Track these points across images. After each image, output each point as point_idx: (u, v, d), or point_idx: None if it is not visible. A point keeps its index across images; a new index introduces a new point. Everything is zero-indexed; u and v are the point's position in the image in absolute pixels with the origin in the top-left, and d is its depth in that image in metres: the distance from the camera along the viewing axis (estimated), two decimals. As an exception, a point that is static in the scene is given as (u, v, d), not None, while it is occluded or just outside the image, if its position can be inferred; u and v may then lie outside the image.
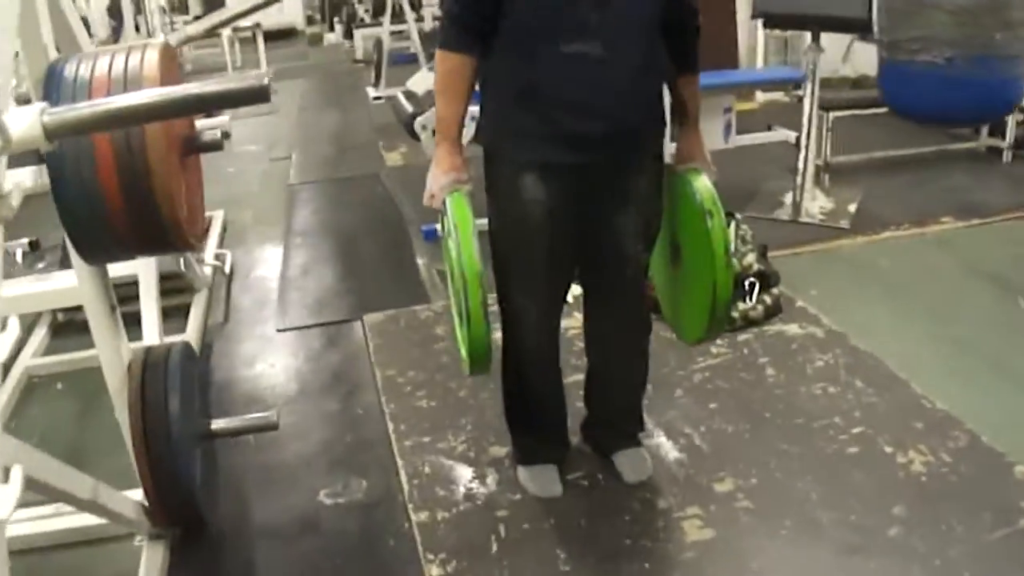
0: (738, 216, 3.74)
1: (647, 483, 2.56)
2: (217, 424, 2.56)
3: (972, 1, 3.67)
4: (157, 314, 2.94)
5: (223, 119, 7.40)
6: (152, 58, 1.95)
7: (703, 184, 2.27)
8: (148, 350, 2.43)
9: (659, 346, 2.79)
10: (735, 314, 3.38)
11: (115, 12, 6.64)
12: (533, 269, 2.32)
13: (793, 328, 3.45)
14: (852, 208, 4.76)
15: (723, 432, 2.79)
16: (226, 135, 2.31)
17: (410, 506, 2.54)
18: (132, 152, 1.88)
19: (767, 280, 3.57)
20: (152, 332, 2.88)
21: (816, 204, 4.79)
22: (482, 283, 2.08)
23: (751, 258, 3.60)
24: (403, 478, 2.67)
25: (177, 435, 2.27)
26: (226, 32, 10.41)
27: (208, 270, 4.32)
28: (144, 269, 3.00)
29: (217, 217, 5.20)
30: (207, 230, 4.72)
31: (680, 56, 2.30)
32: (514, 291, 2.36)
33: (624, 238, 2.33)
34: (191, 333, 3.65)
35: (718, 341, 3.25)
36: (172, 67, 2.08)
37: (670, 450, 2.71)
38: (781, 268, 3.74)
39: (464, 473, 2.66)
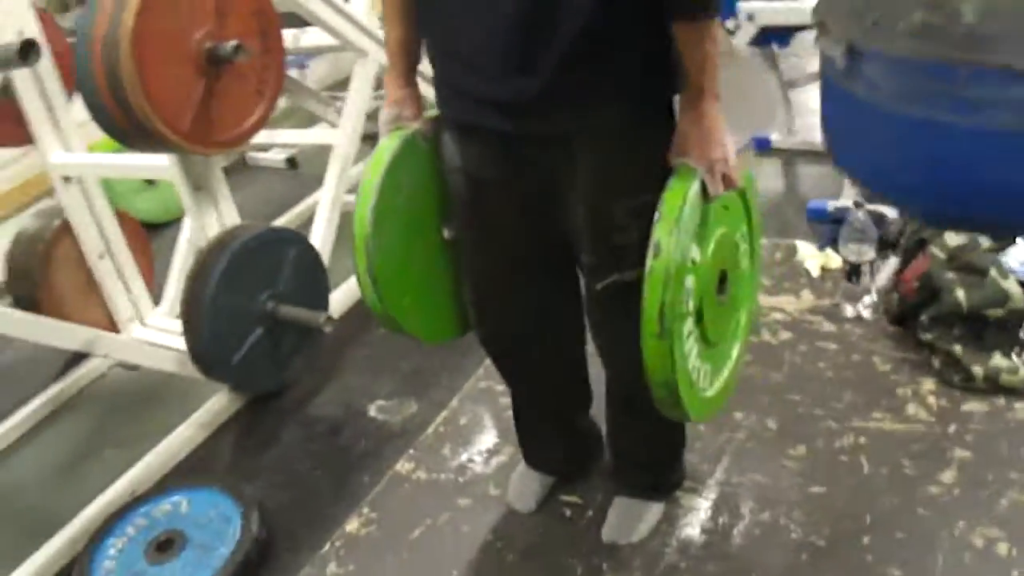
0: None
1: (629, 550, 2.05)
2: (281, 309, 2.61)
3: None
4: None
5: None
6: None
7: (676, 195, 1.51)
8: (230, 229, 2.59)
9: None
10: (978, 370, 2.36)
11: None
12: (468, 247, 1.85)
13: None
14: None
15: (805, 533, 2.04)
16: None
17: (410, 450, 2.48)
18: (111, 46, 2.05)
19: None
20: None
21: None
22: (368, 248, 1.69)
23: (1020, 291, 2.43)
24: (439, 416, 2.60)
25: (211, 303, 2.43)
26: None
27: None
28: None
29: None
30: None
31: None
32: (464, 268, 1.89)
33: (572, 237, 1.71)
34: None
35: (921, 406, 2.36)
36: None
37: (698, 522, 2.11)
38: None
39: (486, 440, 2.49)
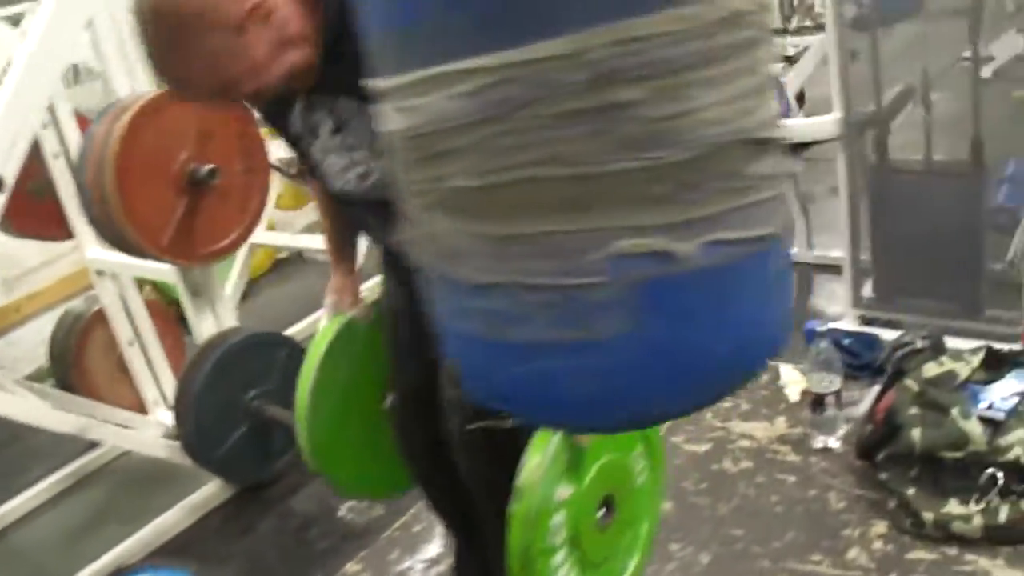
0: None
1: None
2: (267, 408, 2.79)
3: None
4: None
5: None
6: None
7: (542, 441, 1.53)
8: (223, 332, 2.82)
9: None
10: (928, 516, 2.26)
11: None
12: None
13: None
14: None
15: None
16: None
17: (362, 552, 2.59)
18: (100, 166, 2.32)
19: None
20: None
21: None
22: (307, 425, 1.92)
23: (1013, 438, 2.25)
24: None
25: (197, 399, 2.66)
26: None
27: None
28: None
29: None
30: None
31: None
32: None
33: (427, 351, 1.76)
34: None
35: (864, 551, 2.29)
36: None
37: None
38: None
39: (432, 549, 2.58)
